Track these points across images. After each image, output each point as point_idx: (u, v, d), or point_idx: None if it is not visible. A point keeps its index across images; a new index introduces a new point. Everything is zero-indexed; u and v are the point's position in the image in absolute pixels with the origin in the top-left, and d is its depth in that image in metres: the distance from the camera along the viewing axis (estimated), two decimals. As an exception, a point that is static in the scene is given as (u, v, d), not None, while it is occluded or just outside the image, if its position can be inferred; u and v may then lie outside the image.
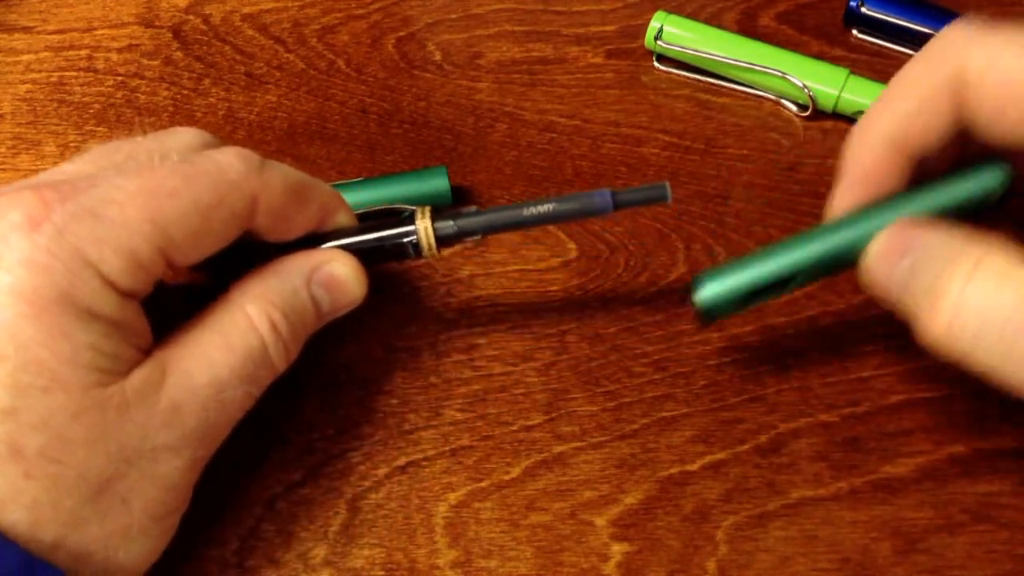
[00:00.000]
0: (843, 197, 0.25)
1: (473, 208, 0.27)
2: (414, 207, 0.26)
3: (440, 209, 0.27)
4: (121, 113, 0.38)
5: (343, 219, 0.27)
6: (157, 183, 0.22)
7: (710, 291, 0.25)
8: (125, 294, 0.22)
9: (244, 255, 0.25)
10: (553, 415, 0.29)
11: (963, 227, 0.22)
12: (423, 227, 0.26)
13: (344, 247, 0.26)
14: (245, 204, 0.24)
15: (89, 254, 0.21)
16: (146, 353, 0.23)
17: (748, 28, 0.40)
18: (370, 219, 0.28)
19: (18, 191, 0.21)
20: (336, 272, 0.26)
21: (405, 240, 0.26)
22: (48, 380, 0.20)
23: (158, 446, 0.22)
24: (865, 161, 0.24)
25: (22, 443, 0.20)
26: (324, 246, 0.26)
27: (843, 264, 0.25)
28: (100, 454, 0.21)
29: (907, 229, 0.23)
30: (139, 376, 0.22)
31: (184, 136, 0.26)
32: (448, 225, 0.26)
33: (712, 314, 0.26)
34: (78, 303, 0.21)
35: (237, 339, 0.24)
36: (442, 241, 0.26)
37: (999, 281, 0.19)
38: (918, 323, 0.21)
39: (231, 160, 0.24)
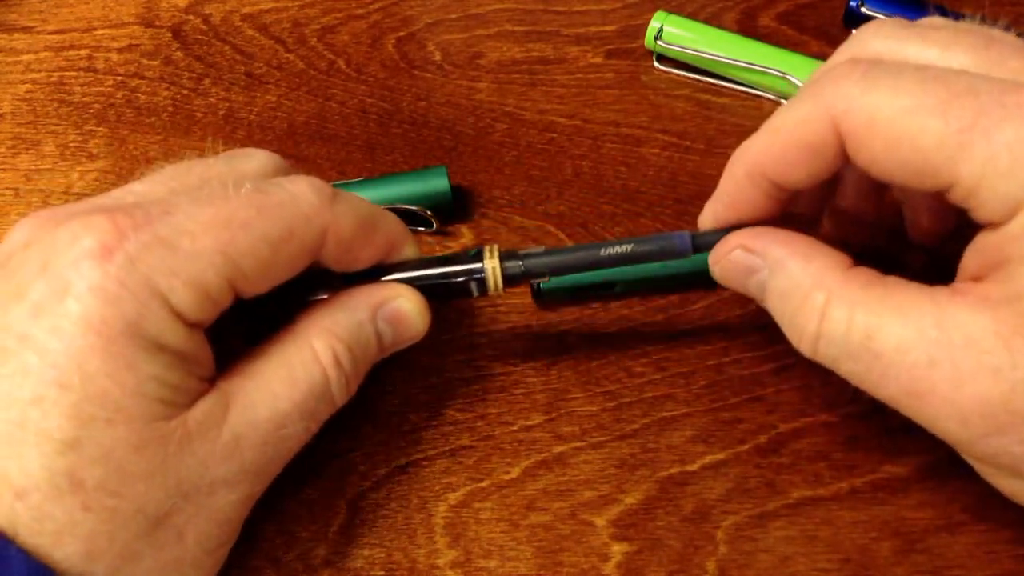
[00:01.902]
0: (707, 213, 0.26)
1: (541, 248, 0.26)
2: (481, 246, 0.26)
3: (508, 251, 0.26)
4: (121, 113, 0.38)
5: (409, 252, 0.27)
6: (231, 213, 0.22)
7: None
8: (192, 325, 0.21)
9: (308, 282, 0.25)
10: (553, 415, 0.29)
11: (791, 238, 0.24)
12: (491, 266, 0.26)
13: (409, 280, 0.26)
14: (316, 237, 0.23)
15: (160, 285, 0.21)
16: (209, 383, 0.22)
17: (748, 28, 0.40)
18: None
19: (90, 214, 0.21)
20: (402, 307, 0.25)
21: (471, 278, 0.26)
22: (112, 412, 0.20)
23: (216, 480, 0.22)
24: (733, 189, 0.25)
25: (82, 476, 0.20)
26: (389, 277, 0.26)
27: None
28: (159, 488, 0.21)
29: (751, 245, 0.24)
30: (202, 409, 0.22)
31: (256, 160, 0.26)
32: (516, 265, 0.26)
33: (545, 294, 0.29)
34: (146, 334, 0.20)
35: (301, 373, 0.23)
36: (509, 281, 0.26)
37: (849, 311, 0.22)
38: (788, 338, 0.24)
39: (304, 191, 0.23)
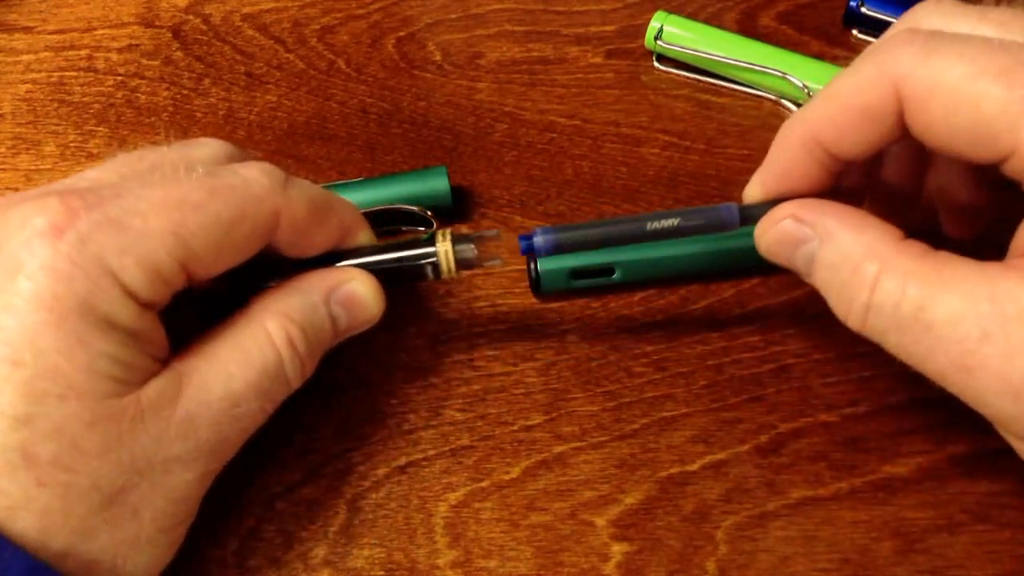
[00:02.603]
0: (754, 184, 0.26)
1: (494, 231, 0.27)
2: (435, 229, 0.27)
3: (462, 235, 0.27)
4: (121, 113, 0.38)
5: (363, 238, 0.27)
6: (182, 195, 0.22)
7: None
8: (144, 304, 0.22)
9: (262, 269, 0.26)
10: (553, 415, 0.29)
11: (845, 211, 0.23)
12: (443, 250, 0.26)
13: (363, 266, 0.26)
14: (268, 220, 0.24)
15: (111, 263, 0.21)
16: (163, 363, 0.23)
17: (748, 28, 0.40)
18: (376, 220, 0.28)
19: (43, 196, 0.21)
20: (356, 291, 0.26)
21: (424, 262, 0.26)
22: (64, 388, 0.20)
23: (170, 458, 0.22)
24: (785, 158, 0.24)
25: (36, 451, 0.20)
26: (343, 263, 0.26)
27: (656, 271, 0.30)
28: (113, 464, 0.21)
29: (802, 215, 0.24)
30: (155, 387, 0.22)
31: (209, 147, 0.26)
32: (468, 248, 0.26)
33: (543, 283, 0.29)
34: (97, 312, 0.21)
35: (255, 353, 0.24)
36: (462, 264, 0.26)
37: (902, 282, 0.21)
38: (834, 312, 0.23)
39: (256, 175, 0.24)
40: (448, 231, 0.27)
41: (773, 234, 0.24)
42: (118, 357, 0.21)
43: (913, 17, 0.24)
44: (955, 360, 0.21)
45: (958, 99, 0.21)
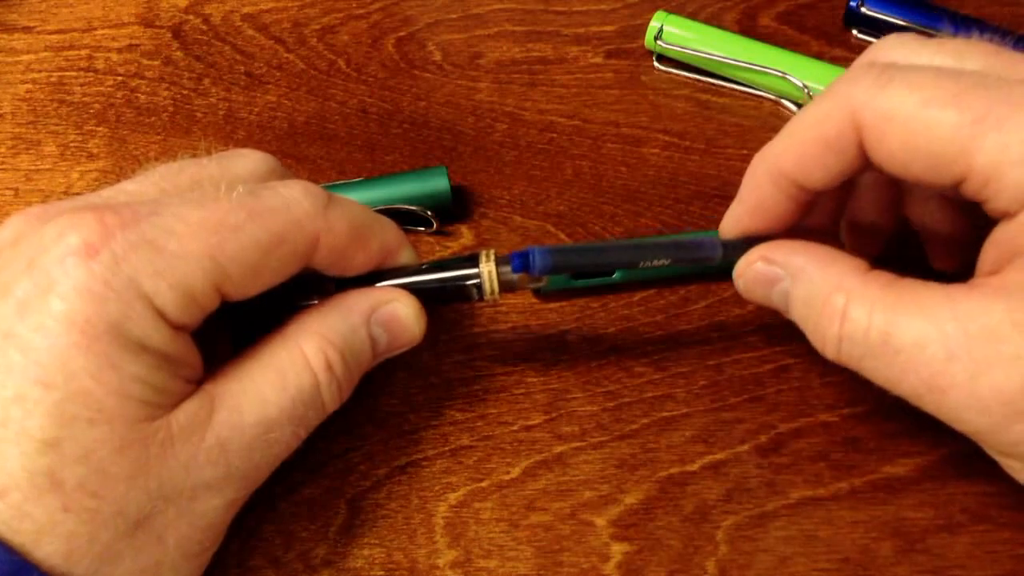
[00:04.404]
0: (729, 218, 0.26)
1: (571, 244, 0.27)
2: (477, 251, 0.26)
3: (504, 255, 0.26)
4: (121, 113, 0.38)
5: (405, 257, 0.26)
6: (220, 217, 0.22)
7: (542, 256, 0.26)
8: (177, 327, 0.21)
9: (301, 286, 0.25)
10: (553, 415, 0.29)
11: (814, 248, 0.24)
12: (487, 271, 0.26)
13: (405, 286, 0.26)
14: (307, 243, 0.23)
15: (145, 286, 0.20)
16: (196, 385, 0.22)
17: (748, 28, 0.40)
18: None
19: (78, 211, 0.21)
20: (397, 312, 0.25)
21: (468, 283, 0.26)
22: (94, 412, 0.20)
23: (199, 484, 0.22)
24: (755, 192, 0.25)
25: (63, 476, 0.20)
26: (384, 283, 0.26)
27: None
28: (140, 490, 0.21)
29: (772, 256, 0.25)
30: (186, 411, 0.21)
31: (250, 160, 0.26)
32: (510, 270, 0.26)
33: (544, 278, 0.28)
34: (129, 335, 0.20)
35: (291, 377, 0.23)
36: (505, 286, 0.26)
37: (869, 310, 0.22)
38: (812, 344, 0.24)
39: (297, 196, 0.23)
40: (492, 251, 0.26)
41: (748, 276, 0.25)
42: (150, 380, 0.21)
43: (874, 52, 0.25)
44: (926, 380, 0.21)
45: (912, 126, 0.21)
